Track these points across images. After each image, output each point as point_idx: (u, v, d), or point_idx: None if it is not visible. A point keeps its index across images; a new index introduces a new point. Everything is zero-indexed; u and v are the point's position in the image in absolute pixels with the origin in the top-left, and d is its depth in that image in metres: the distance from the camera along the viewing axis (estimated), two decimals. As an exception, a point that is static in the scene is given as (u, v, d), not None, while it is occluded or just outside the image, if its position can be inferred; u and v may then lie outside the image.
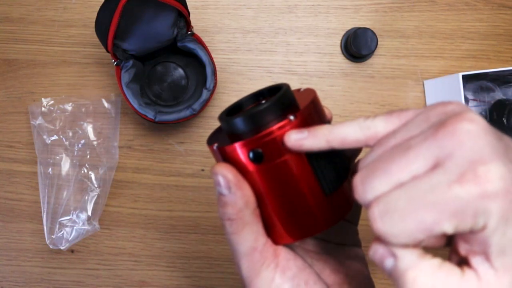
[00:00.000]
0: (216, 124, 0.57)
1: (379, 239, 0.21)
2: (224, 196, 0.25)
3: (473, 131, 0.19)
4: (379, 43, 0.56)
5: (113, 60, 0.50)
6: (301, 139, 0.24)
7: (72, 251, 0.57)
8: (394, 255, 0.21)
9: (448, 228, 0.19)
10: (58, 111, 0.56)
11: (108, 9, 0.45)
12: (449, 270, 0.20)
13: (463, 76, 0.50)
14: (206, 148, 0.57)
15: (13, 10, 0.58)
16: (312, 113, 0.26)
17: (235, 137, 0.25)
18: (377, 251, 0.22)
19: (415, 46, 0.57)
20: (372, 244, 0.22)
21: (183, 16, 0.50)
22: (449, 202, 0.19)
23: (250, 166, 0.25)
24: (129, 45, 0.50)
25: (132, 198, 0.57)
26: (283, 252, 0.27)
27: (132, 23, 0.49)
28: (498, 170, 0.19)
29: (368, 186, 0.21)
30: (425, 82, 0.57)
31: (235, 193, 0.24)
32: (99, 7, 0.47)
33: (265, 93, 0.29)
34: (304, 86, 0.57)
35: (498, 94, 0.56)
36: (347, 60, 0.57)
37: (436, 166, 0.20)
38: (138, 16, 0.48)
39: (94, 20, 0.48)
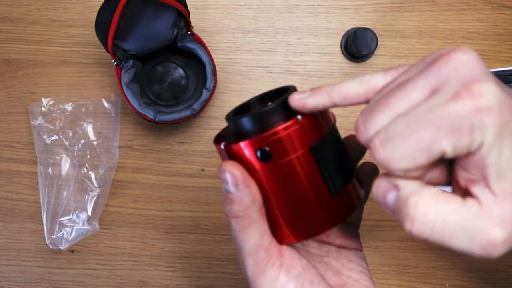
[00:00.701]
0: (216, 124, 0.57)
1: (381, 176, 0.22)
2: (231, 193, 0.25)
3: (467, 59, 0.20)
4: (379, 43, 0.56)
5: (113, 60, 0.50)
6: (305, 98, 0.24)
7: (72, 251, 0.57)
8: (396, 187, 0.21)
9: (447, 146, 0.19)
10: (58, 111, 0.56)
11: (108, 9, 0.45)
12: (451, 197, 0.20)
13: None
14: (206, 148, 0.57)
15: (13, 10, 0.58)
16: (319, 114, 0.26)
17: (242, 136, 0.26)
18: (380, 186, 0.22)
19: (415, 46, 0.57)
20: (374, 181, 0.22)
21: (183, 16, 0.50)
22: (446, 119, 0.19)
23: (257, 165, 0.25)
24: (129, 45, 0.50)
25: (132, 198, 0.57)
26: (287, 252, 0.27)
27: (132, 23, 0.49)
28: (492, 88, 0.19)
29: (369, 123, 0.21)
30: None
31: (242, 190, 0.25)
32: (99, 7, 0.47)
33: (272, 95, 0.29)
34: (304, 86, 0.57)
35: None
36: (347, 60, 0.57)
37: (433, 93, 0.20)
38: (138, 16, 0.48)
39: (94, 20, 0.48)
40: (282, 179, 0.25)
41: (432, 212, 0.20)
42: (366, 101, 0.24)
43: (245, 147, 0.25)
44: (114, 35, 0.46)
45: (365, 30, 0.53)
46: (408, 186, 0.21)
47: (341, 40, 0.57)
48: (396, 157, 0.20)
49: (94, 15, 0.47)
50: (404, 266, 0.56)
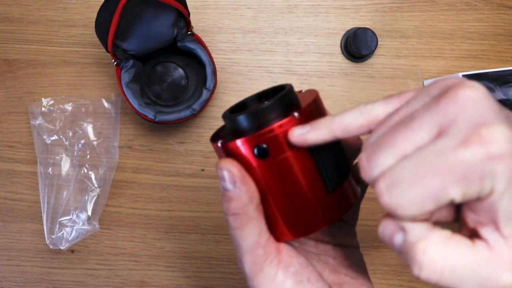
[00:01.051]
0: (216, 124, 0.57)
1: (388, 215, 0.21)
2: (228, 191, 0.25)
3: (475, 96, 0.19)
4: (379, 43, 0.56)
5: (113, 60, 0.50)
6: (305, 134, 0.24)
7: (72, 251, 0.57)
8: (403, 229, 0.20)
9: (456, 194, 0.19)
10: (58, 111, 0.56)
11: (108, 9, 0.45)
12: (459, 240, 0.20)
13: (464, 76, 0.50)
14: (206, 148, 0.57)
15: (13, 10, 0.58)
16: (315, 111, 0.26)
17: (239, 134, 0.26)
18: (386, 227, 0.21)
19: (415, 46, 0.57)
20: (381, 221, 0.22)
21: (183, 16, 0.50)
22: (455, 166, 0.18)
23: (255, 162, 0.25)
24: (129, 45, 0.50)
25: (132, 198, 0.57)
26: (285, 249, 0.27)
27: (132, 23, 0.49)
28: (502, 132, 0.18)
29: (374, 162, 0.21)
30: (425, 82, 0.57)
31: (240, 187, 0.24)
32: (99, 7, 0.47)
33: (268, 94, 0.29)
34: (304, 86, 0.57)
35: (498, 94, 0.56)
36: (347, 60, 0.57)
37: (440, 134, 0.19)
38: (138, 16, 0.48)
39: (94, 20, 0.48)
40: (279, 176, 0.25)
41: (441, 259, 0.19)
42: (369, 132, 0.23)
43: (242, 145, 0.25)
44: (114, 35, 0.46)
45: (365, 30, 0.53)
46: (415, 230, 0.20)
47: (341, 40, 0.57)
48: (403, 204, 0.19)
49: (94, 15, 0.47)
50: (404, 266, 0.56)
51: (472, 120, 0.19)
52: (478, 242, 0.20)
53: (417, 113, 0.20)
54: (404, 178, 0.19)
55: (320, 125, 0.24)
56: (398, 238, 0.21)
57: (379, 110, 0.23)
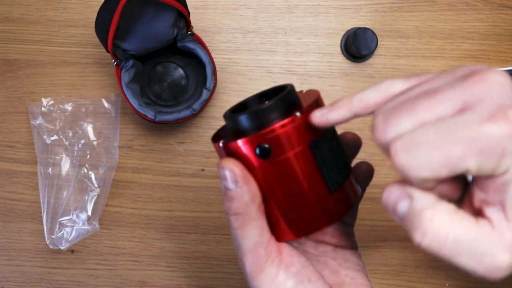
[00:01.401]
0: (217, 124, 0.57)
1: (393, 183, 0.21)
2: (230, 190, 0.25)
3: (503, 81, 0.20)
4: (379, 43, 0.56)
5: (113, 60, 0.50)
6: (326, 114, 0.24)
7: (72, 251, 0.57)
8: (409, 196, 0.21)
9: (472, 166, 0.19)
10: (58, 111, 0.56)
11: (108, 9, 0.45)
12: (464, 215, 0.20)
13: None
14: (206, 148, 0.57)
15: (13, 10, 0.58)
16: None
17: (240, 134, 0.26)
18: (391, 194, 0.21)
19: (415, 46, 0.57)
20: (386, 188, 0.22)
21: (183, 16, 0.50)
22: (479, 139, 0.19)
23: (256, 162, 0.25)
24: (129, 45, 0.50)
25: (132, 198, 0.57)
26: (286, 249, 0.27)
27: (132, 23, 0.49)
28: None
29: (391, 124, 0.21)
30: (425, 82, 0.57)
31: (242, 187, 0.25)
32: (99, 7, 0.47)
33: (269, 94, 0.29)
34: (304, 86, 0.57)
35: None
36: (347, 60, 0.57)
37: (464, 109, 0.20)
38: (138, 16, 0.48)
39: (94, 20, 0.48)
40: (281, 176, 0.25)
41: (446, 229, 0.20)
42: None
43: (243, 145, 0.25)
44: (114, 35, 0.46)
45: (365, 30, 0.53)
46: (423, 198, 0.20)
47: (341, 40, 0.57)
48: (419, 165, 0.19)
49: (94, 15, 0.47)
50: (404, 266, 0.56)
51: (498, 102, 0.19)
52: (481, 220, 0.20)
53: (442, 88, 0.21)
54: (425, 141, 0.20)
55: (339, 105, 0.24)
56: (403, 205, 0.21)
57: (397, 88, 0.23)
